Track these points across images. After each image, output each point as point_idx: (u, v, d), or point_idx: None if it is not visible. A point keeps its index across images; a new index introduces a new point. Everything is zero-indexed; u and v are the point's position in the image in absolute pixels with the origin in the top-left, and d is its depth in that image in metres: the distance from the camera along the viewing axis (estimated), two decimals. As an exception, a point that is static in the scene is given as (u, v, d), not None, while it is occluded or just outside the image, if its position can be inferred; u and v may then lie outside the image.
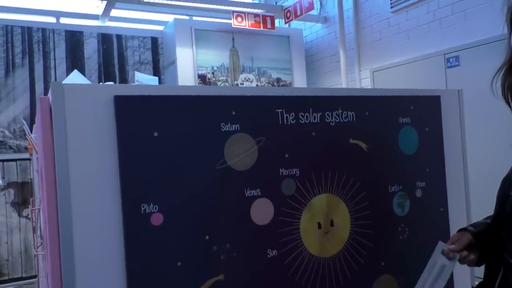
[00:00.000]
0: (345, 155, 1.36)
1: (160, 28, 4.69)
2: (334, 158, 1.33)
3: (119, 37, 4.44)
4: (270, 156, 1.22)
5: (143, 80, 2.65)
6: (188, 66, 4.32)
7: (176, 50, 4.27)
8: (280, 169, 1.24)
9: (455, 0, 3.44)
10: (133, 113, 1.05)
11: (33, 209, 2.10)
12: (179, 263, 1.09)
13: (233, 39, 4.56)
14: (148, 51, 4.58)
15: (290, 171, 1.26)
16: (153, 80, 2.78)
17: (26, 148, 3.85)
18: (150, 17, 4.85)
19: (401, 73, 3.86)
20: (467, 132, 1.69)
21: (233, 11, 4.43)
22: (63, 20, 4.37)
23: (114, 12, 4.38)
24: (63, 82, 1.05)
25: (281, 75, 4.81)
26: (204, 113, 1.13)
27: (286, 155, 1.25)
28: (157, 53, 4.62)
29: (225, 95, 1.17)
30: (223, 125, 1.16)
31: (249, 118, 1.19)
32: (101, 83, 3.81)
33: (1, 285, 3.79)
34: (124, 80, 4.42)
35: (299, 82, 4.88)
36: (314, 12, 4.70)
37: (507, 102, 0.85)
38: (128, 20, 4.75)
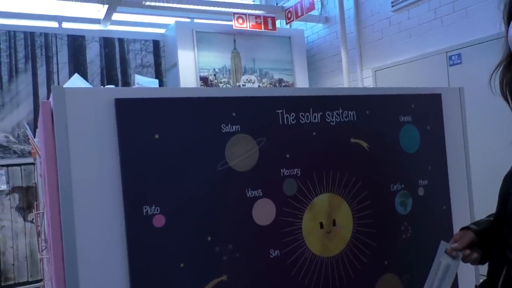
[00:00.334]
0: (346, 155, 1.35)
1: (162, 31, 4.71)
2: (335, 157, 1.33)
3: (121, 40, 4.46)
4: (271, 157, 1.23)
5: (143, 82, 2.66)
6: (190, 68, 4.33)
7: (177, 53, 4.28)
8: (281, 169, 1.24)
9: (456, -2, 3.43)
10: (134, 116, 1.05)
11: (37, 213, 2.11)
12: (181, 265, 1.09)
13: (234, 40, 4.57)
14: (150, 54, 4.60)
15: (292, 171, 1.26)
16: (153, 83, 2.79)
17: (30, 153, 3.87)
18: (152, 20, 4.86)
19: (403, 71, 3.86)
20: (470, 130, 1.68)
21: (234, 13, 4.43)
22: (65, 25, 4.39)
23: (116, 16, 4.40)
24: (64, 86, 1.06)
25: (283, 76, 4.81)
26: (205, 115, 1.14)
27: (287, 155, 1.25)
28: (159, 56, 4.63)
29: (225, 97, 1.18)
30: (223, 126, 1.16)
31: (250, 119, 1.20)
32: (101, 87, 3.83)
33: (7, 289, 3.82)
34: (126, 83, 4.44)
35: (301, 82, 4.88)
36: (315, 12, 4.69)
37: (506, 99, 0.85)
38: (130, 24, 4.77)
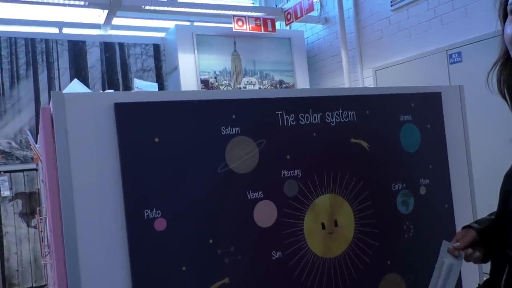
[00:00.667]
0: (347, 155, 1.35)
1: (162, 34, 4.72)
2: (336, 158, 1.33)
3: (121, 45, 4.48)
4: (271, 158, 1.23)
5: (143, 86, 2.67)
6: (191, 71, 4.34)
7: (178, 56, 4.29)
8: (282, 171, 1.24)
9: (455, -4, 3.43)
10: (133, 120, 1.06)
11: (40, 218, 2.11)
12: (183, 268, 1.09)
13: (234, 43, 4.58)
14: (151, 58, 4.61)
15: (292, 173, 1.26)
16: (152, 87, 2.80)
17: (32, 159, 3.88)
18: (152, 24, 4.88)
19: (404, 71, 3.85)
20: (471, 128, 1.68)
21: (234, 15, 4.44)
22: (66, 30, 4.41)
23: (116, 21, 4.42)
24: (63, 91, 1.06)
25: (284, 77, 4.81)
26: (204, 117, 1.14)
27: (288, 157, 1.25)
28: (159, 59, 4.64)
29: (224, 99, 1.18)
30: (223, 128, 1.16)
31: (249, 120, 1.20)
32: (101, 91, 3.84)
33: (12, 295, 3.82)
34: (127, 87, 4.45)
35: (302, 83, 4.88)
36: (314, 13, 4.70)
37: (504, 97, 0.85)
38: (130, 28, 4.79)
